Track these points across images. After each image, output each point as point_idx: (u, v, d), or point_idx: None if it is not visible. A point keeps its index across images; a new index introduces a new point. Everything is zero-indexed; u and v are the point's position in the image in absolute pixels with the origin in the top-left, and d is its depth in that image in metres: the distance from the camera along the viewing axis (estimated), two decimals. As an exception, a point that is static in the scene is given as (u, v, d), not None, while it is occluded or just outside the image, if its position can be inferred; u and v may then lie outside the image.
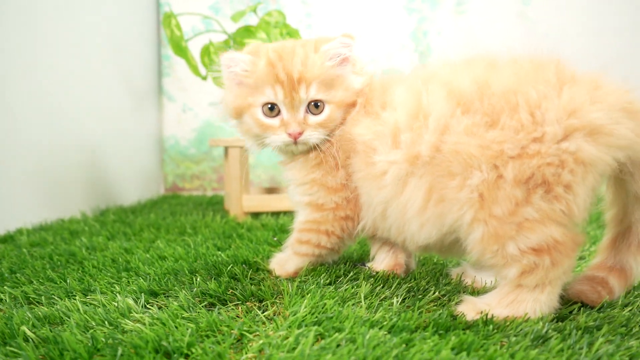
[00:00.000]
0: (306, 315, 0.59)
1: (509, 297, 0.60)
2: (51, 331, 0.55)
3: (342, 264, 0.83)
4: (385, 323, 0.57)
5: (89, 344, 0.52)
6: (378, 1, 1.97)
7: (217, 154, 2.06)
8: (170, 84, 2.05)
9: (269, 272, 0.82)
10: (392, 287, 0.71)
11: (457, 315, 0.60)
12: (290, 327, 0.56)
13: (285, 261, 0.82)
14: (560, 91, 0.57)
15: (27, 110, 1.25)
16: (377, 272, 0.78)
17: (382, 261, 0.80)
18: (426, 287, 0.72)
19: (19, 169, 1.21)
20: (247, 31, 1.41)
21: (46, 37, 1.33)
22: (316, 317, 0.58)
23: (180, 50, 1.38)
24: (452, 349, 0.51)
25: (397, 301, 0.64)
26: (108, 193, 1.65)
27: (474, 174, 0.58)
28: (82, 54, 1.49)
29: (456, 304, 0.64)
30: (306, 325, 0.56)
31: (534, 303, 0.59)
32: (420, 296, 0.68)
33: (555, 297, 0.60)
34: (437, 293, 0.69)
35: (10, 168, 1.18)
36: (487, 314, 0.58)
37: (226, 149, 1.43)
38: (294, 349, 0.51)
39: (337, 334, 0.53)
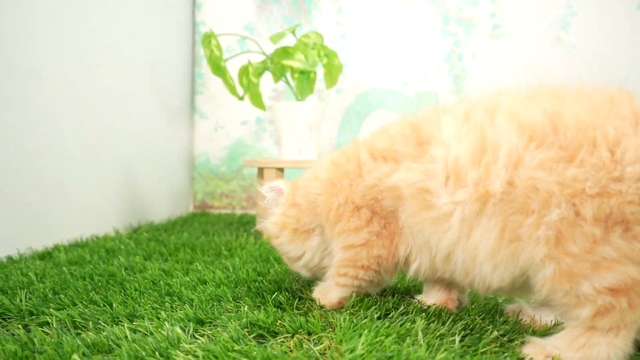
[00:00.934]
0: (364, 353, 0.56)
1: (580, 340, 0.56)
2: (103, 361, 0.53)
3: (390, 296, 0.80)
4: (449, 365, 0.54)
5: (143, 377, 0.50)
6: (412, 23, 1.97)
7: (247, 173, 2.06)
8: (203, 102, 2.06)
9: (313, 300, 0.80)
10: (447, 324, 0.68)
11: (524, 358, 0.57)
12: (349, 366, 0.53)
13: (327, 291, 0.80)
14: (637, 129, 0.54)
15: (62, 128, 1.26)
16: (428, 306, 0.75)
17: (434, 295, 0.77)
18: (482, 324, 0.69)
19: (53, 185, 1.21)
20: (285, 52, 1.41)
21: (81, 54, 1.34)
22: (374, 356, 0.55)
23: (219, 70, 1.38)
24: (528, 399, 0.47)
25: (456, 340, 0.61)
26: (139, 209, 1.65)
27: (552, 211, 0.55)
28: (117, 72, 1.51)
29: (521, 345, 0.61)
30: (367, 366, 0.53)
31: (608, 347, 0.55)
32: (477, 335, 0.65)
33: (630, 342, 0.56)
34: (496, 332, 0.65)
35: (45, 185, 1.18)
36: (558, 359, 0.55)
37: (261, 169, 1.42)
38: (357, 391, 0.48)
39: (401, 376, 0.50)
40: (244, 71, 1.40)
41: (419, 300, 0.78)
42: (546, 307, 0.73)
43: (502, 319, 0.71)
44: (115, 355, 0.56)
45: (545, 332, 0.67)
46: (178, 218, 1.80)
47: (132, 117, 1.60)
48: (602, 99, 0.58)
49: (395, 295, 0.80)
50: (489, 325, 0.68)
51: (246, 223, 1.72)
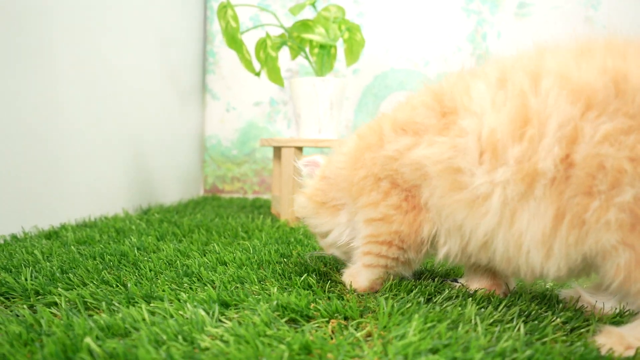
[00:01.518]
0: (416, 340, 0.49)
1: (664, 331, 0.49)
2: (121, 345, 0.46)
3: (430, 280, 0.73)
4: (517, 356, 0.46)
5: (166, 364, 0.43)
6: (434, 1, 1.88)
7: (260, 156, 1.98)
8: (214, 82, 1.98)
9: (343, 284, 0.73)
10: (499, 309, 0.61)
11: (599, 348, 0.49)
12: (402, 354, 0.46)
13: (356, 274, 0.73)
14: None
15: (73, 105, 1.19)
16: (475, 291, 0.68)
17: (477, 280, 0.70)
18: (539, 311, 0.61)
19: (62, 163, 1.15)
20: (305, 25, 1.33)
21: (94, 34, 1.27)
22: (429, 343, 0.48)
23: (235, 43, 1.30)
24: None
25: (521, 327, 0.54)
26: (149, 191, 1.58)
27: (625, 191, 0.47)
28: (126, 50, 1.43)
29: (592, 334, 0.53)
30: (424, 354, 0.46)
31: (696, 339, 0.48)
32: (536, 322, 0.58)
33: None
34: (557, 319, 0.58)
35: (53, 163, 1.12)
36: (642, 351, 0.48)
37: (278, 149, 1.35)
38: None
39: (465, 367, 0.43)
40: (261, 44, 1.32)
41: (462, 284, 0.71)
42: (604, 292, 0.66)
43: (560, 305, 0.64)
44: (134, 339, 0.49)
45: (613, 320, 0.59)
46: (189, 201, 1.73)
47: (141, 97, 1.53)
48: None
49: (436, 279, 0.73)
50: (546, 312, 0.61)
51: (259, 207, 1.65)
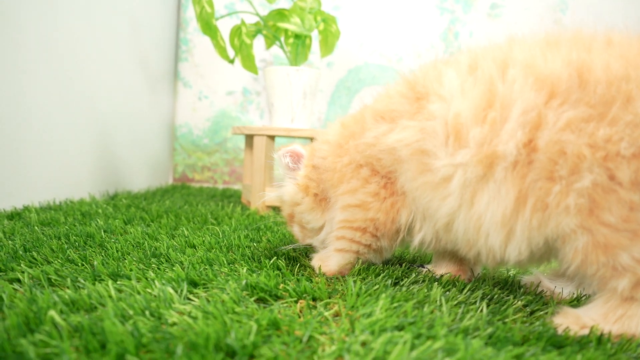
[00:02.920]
0: (383, 318, 0.50)
1: (617, 311, 0.51)
2: (86, 319, 0.46)
3: (398, 265, 0.74)
4: (479, 333, 0.48)
5: (132, 337, 0.43)
6: (409, -2, 1.90)
7: (231, 146, 1.97)
8: (186, 70, 1.96)
9: (312, 268, 0.74)
10: (464, 292, 0.63)
11: (556, 328, 0.52)
12: (368, 330, 0.47)
13: (326, 257, 0.74)
14: None
15: (39, 87, 1.15)
16: (441, 276, 0.69)
17: (445, 266, 0.72)
18: (502, 295, 0.63)
19: (29, 145, 1.11)
20: (280, 15, 1.33)
21: (62, 15, 1.24)
22: (395, 321, 0.49)
23: (210, 28, 1.29)
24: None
25: (483, 307, 0.56)
26: (117, 177, 1.55)
27: (584, 177, 0.49)
28: (99, 34, 1.40)
29: (550, 316, 0.55)
30: (390, 330, 0.47)
31: (648, 318, 0.51)
32: (498, 305, 0.60)
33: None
34: (518, 302, 0.60)
35: (20, 144, 1.08)
36: (597, 330, 0.50)
37: (250, 137, 1.34)
38: (382, 358, 0.42)
39: (429, 342, 0.45)
40: (235, 32, 1.31)
41: (429, 269, 0.73)
42: (563, 278, 0.68)
43: (521, 290, 0.66)
44: (100, 314, 0.49)
45: (570, 303, 0.62)
46: (157, 189, 1.71)
47: (110, 81, 1.49)
48: (635, 46, 0.52)
49: (403, 264, 0.75)
50: (508, 296, 0.63)
51: (230, 196, 1.64)
